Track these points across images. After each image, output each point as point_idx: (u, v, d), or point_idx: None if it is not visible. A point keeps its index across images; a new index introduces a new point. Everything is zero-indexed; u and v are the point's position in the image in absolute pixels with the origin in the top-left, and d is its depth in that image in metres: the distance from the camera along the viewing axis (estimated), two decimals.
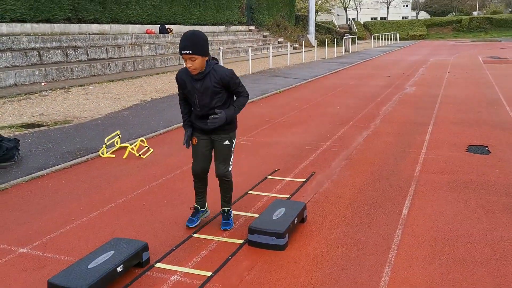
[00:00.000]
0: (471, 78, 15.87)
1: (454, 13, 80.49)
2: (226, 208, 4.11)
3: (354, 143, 7.14)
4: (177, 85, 3.78)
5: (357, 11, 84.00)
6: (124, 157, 6.45)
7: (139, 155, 6.46)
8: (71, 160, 6.23)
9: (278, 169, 5.86)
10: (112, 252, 3.31)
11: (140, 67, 18.37)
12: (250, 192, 5.05)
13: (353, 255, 3.62)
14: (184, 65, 3.58)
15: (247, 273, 3.37)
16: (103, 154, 6.53)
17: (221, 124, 3.66)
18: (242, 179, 5.47)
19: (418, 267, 3.44)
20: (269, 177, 5.57)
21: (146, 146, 6.74)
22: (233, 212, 4.44)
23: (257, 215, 4.27)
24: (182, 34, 3.50)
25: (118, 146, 6.85)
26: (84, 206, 4.68)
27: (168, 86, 13.93)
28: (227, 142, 3.85)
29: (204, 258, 3.60)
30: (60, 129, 8.13)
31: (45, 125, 8.50)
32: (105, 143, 6.65)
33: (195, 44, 3.43)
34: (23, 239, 3.95)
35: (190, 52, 3.41)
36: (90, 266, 3.12)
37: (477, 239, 3.87)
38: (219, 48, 16.58)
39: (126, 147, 6.74)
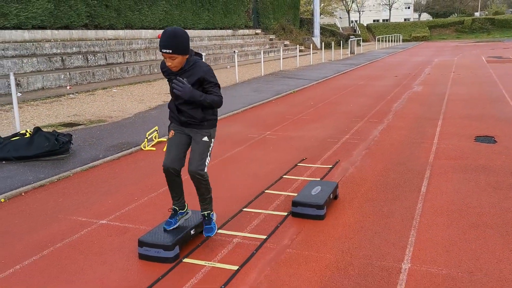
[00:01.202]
0: (476, 77, 16.52)
1: (456, 14, 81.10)
2: (206, 213, 3.83)
3: (371, 136, 7.80)
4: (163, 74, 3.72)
5: (360, 13, 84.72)
6: (164, 149, 7.12)
7: None
8: (118, 152, 6.92)
9: (306, 158, 6.53)
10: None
11: (156, 70, 19.08)
12: (284, 176, 5.72)
13: (383, 223, 4.28)
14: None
15: (296, 237, 4.04)
16: (145, 148, 7.22)
17: (182, 93, 3.41)
18: (274, 166, 6.15)
19: (438, 230, 4.09)
20: (299, 164, 6.24)
21: None
22: (273, 191, 5.11)
23: (295, 194, 4.93)
24: (163, 31, 3.44)
25: (156, 140, 7.53)
26: (142, 189, 5.36)
27: None
28: (205, 139, 3.67)
29: (257, 226, 4.27)
30: (97, 127, 8.82)
31: (82, 124, 9.20)
32: (147, 138, 7.34)
33: (175, 43, 3.36)
34: (100, 214, 4.63)
35: (170, 51, 3.36)
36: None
37: (487, 210, 4.52)
38: (234, 51, 17.27)
39: (164, 141, 7.43)
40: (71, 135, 6.91)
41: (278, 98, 12.58)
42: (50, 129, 8.77)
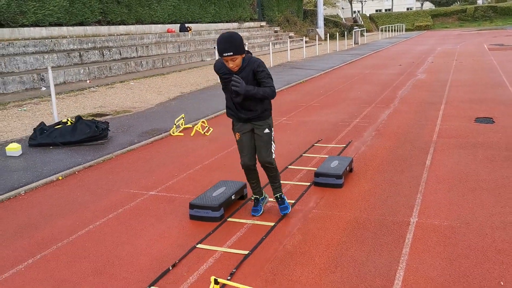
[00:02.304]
0: (477, 64, 17.13)
1: (458, 3, 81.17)
2: (278, 194, 4.31)
3: (379, 119, 8.49)
4: (218, 76, 4.04)
5: (362, 3, 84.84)
6: (192, 134, 7.86)
7: (204, 132, 7.87)
8: (150, 138, 7.64)
9: (321, 139, 7.24)
10: (224, 188, 4.70)
11: (168, 64, 19.78)
12: (304, 155, 6.43)
13: (393, 189, 4.99)
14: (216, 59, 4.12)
15: (319, 201, 4.75)
16: (174, 133, 7.94)
17: (240, 89, 3.75)
18: (293, 146, 6.86)
19: (441, 193, 4.80)
20: (315, 144, 6.95)
21: (206, 126, 8.14)
22: (296, 167, 5.82)
23: (315, 169, 5.63)
24: (219, 36, 3.76)
25: (183, 126, 8.25)
26: (179, 167, 6.09)
27: (200, 79, 15.33)
28: (267, 130, 4.06)
29: (286, 192, 4.97)
30: (125, 117, 9.54)
31: (109, 114, 9.92)
32: (175, 124, 8.05)
33: (234, 45, 3.66)
34: (148, 187, 5.36)
35: (232, 54, 3.66)
36: (214, 194, 4.52)
37: (483, 177, 5.22)
38: (245, 44, 17.87)
39: (190, 127, 8.15)
40: (108, 123, 7.64)
41: (289, 87, 13.26)
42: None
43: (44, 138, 7.03)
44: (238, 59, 3.75)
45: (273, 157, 4.12)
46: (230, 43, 3.67)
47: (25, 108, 10.69)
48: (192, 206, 4.40)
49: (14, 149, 6.58)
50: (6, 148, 6.64)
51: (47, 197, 5.16)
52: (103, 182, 5.61)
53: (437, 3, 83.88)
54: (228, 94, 4.03)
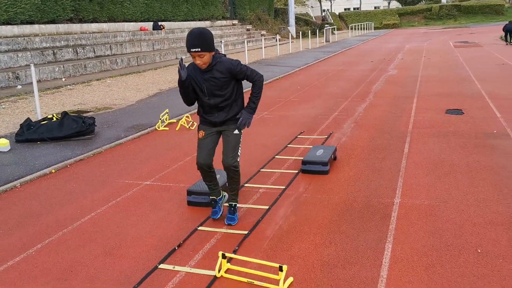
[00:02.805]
0: (445, 61, 17.85)
1: (424, 2, 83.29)
2: (233, 203, 4.14)
3: (357, 112, 8.88)
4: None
5: (331, 2, 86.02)
6: (177, 129, 8.04)
7: (189, 127, 8.07)
8: (136, 132, 7.79)
9: (304, 131, 7.56)
10: (218, 175, 4.93)
11: (143, 62, 19.78)
12: (288, 145, 6.73)
13: (376, 174, 5.34)
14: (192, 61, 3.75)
15: (308, 186, 5.06)
16: (159, 128, 8.11)
17: (249, 121, 3.91)
18: (278, 138, 7.15)
19: (419, 177, 5.17)
20: (298, 136, 7.26)
21: (191, 121, 8.33)
22: (282, 157, 6.11)
23: (301, 158, 5.93)
24: (188, 32, 3.65)
25: (167, 121, 8.42)
26: (170, 159, 6.29)
27: (176, 77, 15.43)
28: (236, 132, 3.93)
29: (275, 181, 5.26)
30: (107, 113, 9.62)
31: (90, 111, 9.97)
32: (160, 119, 8.22)
33: (202, 42, 3.57)
34: (142, 177, 5.55)
35: (199, 50, 3.56)
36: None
37: (456, 162, 5.64)
38: (221, 41, 18.10)
39: (174, 122, 8.34)
40: (94, 118, 7.75)
41: (267, 83, 13.54)
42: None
43: (31, 133, 7.09)
44: (206, 56, 3.64)
45: (239, 160, 3.96)
46: (198, 39, 3.57)
47: (3, 106, 10.62)
48: (189, 192, 4.62)
49: (2, 144, 6.63)
50: None
51: (43, 189, 5.28)
52: (97, 174, 5.76)
53: (403, 2, 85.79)
54: (199, 99, 3.89)
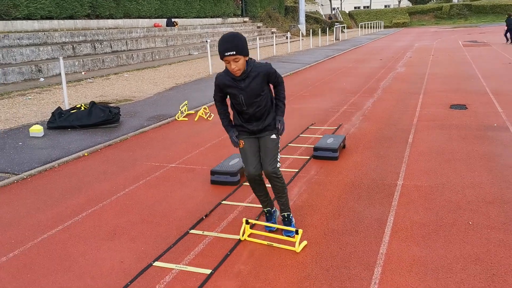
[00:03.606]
0: (452, 59, 18.23)
1: (434, 1, 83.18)
2: (286, 213, 3.91)
3: (365, 106, 9.36)
4: (214, 89, 3.70)
5: (341, 0, 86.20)
6: (196, 119, 8.58)
7: (206, 117, 8.61)
8: (158, 122, 8.33)
9: (315, 123, 8.05)
10: (238, 159, 5.46)
11: (157, 57, 20.36)
12: (301, 135, 7.24)
13: (381, 160, 5.83)
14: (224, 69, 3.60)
15: (319, 169, 5.56)
16: (179, 118, 8.64)
17: (283, 131, 3.73)
18: (291, 128, 7.65)
19: (421, 163, 5.66)
20: (310, 127, 7.76)
21: (208, 112, 8.87)
22: (295, 145, 6.62)
23: (312, 146, 6.44)
24: (220, 37, 3.49)
25: (186, 112, 8.96)
26: (191, 145, 6.82)
27: (191, 72, 16.00)
28: (273, 136, 3.72)
29: (289, 165, 5.76)
30: (128, 105, 10.18)
31: (111, 103, 10.53)
32: (180, 110, 8.76)
33: (237, 45, 3.36)
34: (168, 160, 6.09)
35: (234, 53, 3.34)
36: (230, 163, 5.29)
37: (456, 151, 6.11)
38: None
39: (193, 113, 8.87)
40: (119, 108, 8.30)
41: None
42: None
43: (62, 121, 7.66)
44: (241, 61, 3.42)
45: (278, 166, 3.75)
46: (232, 42, 3.36)
47: (29, 97, 11.22)
48: (213, 172, 5.15)
49: (37, 130, 7.20)
50: (30, 129, 7.26)
51: (80, 169, 5.84)
52: (126, 157, 6.31)
53: (414, 1, 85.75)
54: (235, 108, 3.70)
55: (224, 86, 3.59)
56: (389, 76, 13.93)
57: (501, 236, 3.76)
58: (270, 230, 3.93)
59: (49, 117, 8.69)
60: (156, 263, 3.49)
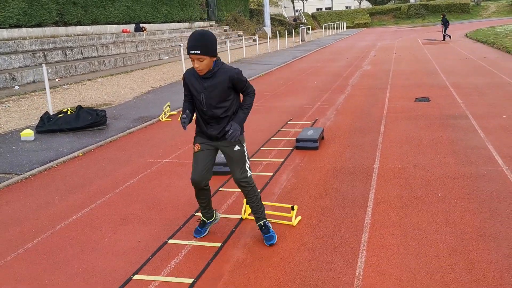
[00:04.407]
0: (414, 56, 19.22)
1: (393, 1, 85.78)
2: (262, 222, 3.81)
3: (337, 102, 9.99)
4: (183, 85, 3.62)
5: (303, 2, 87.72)
6: (179, 119, 8.96)
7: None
8: (143, 123, 8.69)
9: (292, 118, 8.60)
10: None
11: (129, 62, 20.54)
12: (281, 129, 7.76)
13: (357, 148, 6.42)
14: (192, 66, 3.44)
15: (303, 158, 6.09)
16: (162, 119, 9.03)
17: (239, 132, 3.49)
18: (270, 124, 8.17)
19: (394, 149, 6.27)
20: (289, 122, 8.30)
21: None
22: (277, 138, 7.14)
23: (293, 139, 6.97)
24: (191, 33, 3.35)
25: (169, 113, 9.35)
26: (180, 143, 7.23)
27: (165, 76, 16.33)
28: (237, 147, 3.61)
29: (275, 155, 6.27)
30: (109, 108, 10.46)
31: (92, 107, 10.79)
32: (164, 111, 9.14)
33: (203, 44, 3.28)
34: (160, 157, 6.49)
35: (199, 52, 3.25)
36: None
37: (423, 137, 6.77)
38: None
39: (175, 114, 9.27)
40: (105, 111, 8.61)
41: (252, 79, 14.57)
42: None
43: (51, 125, 7.92)
44: (206, 61, 3.32)
45: (249, 174, 3.68)
46: (199, 41, 3.27)
47: (9, 105, 11.33)
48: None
49: (28, 134, 7.45)
50: (21, 133, 7.50)
51: (78, 168, 6.17)
52: (119, 155, 6.67)
53: (373, 2, 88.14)
54: (197, 108, 3.60)
55: (190, 82, 3.51)
56: (356, 73, 14.67)
57: (466, 204, 4.38)
58: (195, 235, 3.93)
59: (32, 123, 8.94)
60: (171, 241, 3.93)
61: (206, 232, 3.97)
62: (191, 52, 3.28)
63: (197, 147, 3.67)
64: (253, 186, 3.71)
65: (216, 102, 3.46)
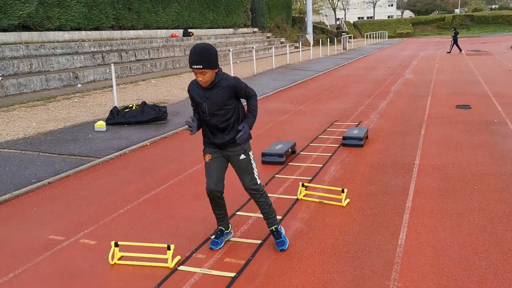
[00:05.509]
0: (456, 67, 19.41)
1: (437, 11, 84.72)
2: (274, 227, 3.90)
3: (380, 107, 10.53)
4: (189, 97, 3.71)
5: (345, 11, 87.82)
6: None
7: None
8: None
9: (337, 120, 9.22)
10: (281, 145, 6.62)
11: (177, 65, 21.63)
12: (327, 129, 8.39)
13: (399, 147, 6.98)
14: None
15: (349, 154, 6.70)
16: None
17: (247, 134, 3.60)
18: (317, 124, 8.82)
19: (433, 149, 6.80)
20: (334, 123, 8.92)
21: None
22: (324, 136, 7.78)
23: (339, 137, 7.58)
24: (192, 47, 3.38)
25: None
26: None
27: None
28: (242, 156, 3.72)
29: (323, 150, 6.91)
30: (168, 106, 11.35)
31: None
32: None
33: (205, 59, 3.41)
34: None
35: (201, 67, 3.40)
36: (277, 147, 6.45)
37: (462, 140, 7.26)
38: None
39: None
40: (166, 107, 9.49)
41: (296, 84, 15.26)
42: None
43: (119, 118, 8.85)
44: (208, 74, 3.47)
45: (259, 182, 3.80)
46: (200, 56, 3.41)
47: (75, 100, 12.44)
48: (263, 154, 6.32)
49: (101, 125, 8.38)
50: (95, 124, 8.45)
51: (148, 155, 7.01)
52: (183, 146, 7.48)
53: (416, 12, 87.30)
54: (202, 118, 3.69)
55: (193, 93, 3.63)
56: (398, 81, 15.11)
57: (499, 196, 4.90)
58: (212, 247, 3.92)
59: (99, 116, 9.91)
60: (238, 213, 4.64)
61: (222, 244, 4.00)
62: (193, 67, 3.42)
63: (208, 157, 3.79)
64: (262, 193, 3.81)
65: (217, 111, 3.58)
